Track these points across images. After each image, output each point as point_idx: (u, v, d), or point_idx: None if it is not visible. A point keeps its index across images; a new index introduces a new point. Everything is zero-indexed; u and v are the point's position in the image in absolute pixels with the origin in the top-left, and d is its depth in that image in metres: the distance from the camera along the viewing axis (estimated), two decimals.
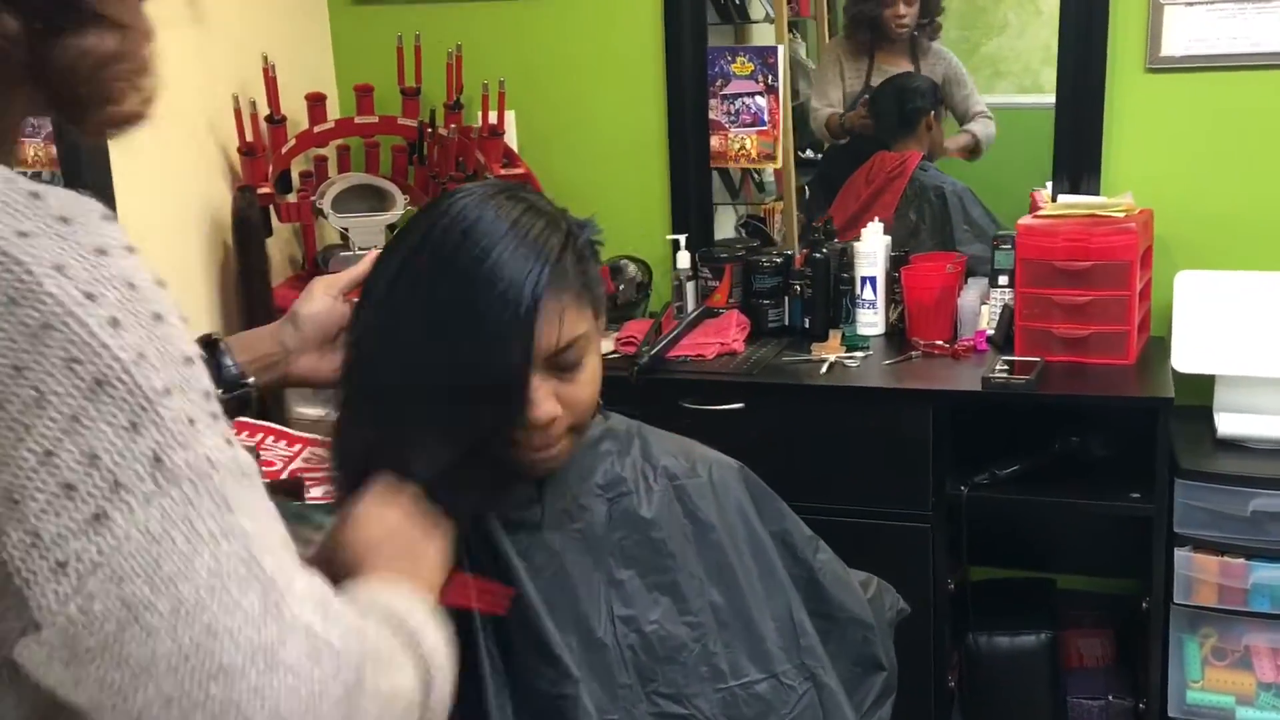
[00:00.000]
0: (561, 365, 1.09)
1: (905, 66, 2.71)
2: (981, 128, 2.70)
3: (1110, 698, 2.28)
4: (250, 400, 1.14)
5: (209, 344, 1.12)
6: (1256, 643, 2.06)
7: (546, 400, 1.08)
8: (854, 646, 1.31)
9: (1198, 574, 2.03)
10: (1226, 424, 2.13)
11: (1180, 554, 2.03)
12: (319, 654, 0.67)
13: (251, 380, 1.14)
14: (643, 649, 1.15)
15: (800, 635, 1.23)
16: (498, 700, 1.08)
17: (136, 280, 0.66)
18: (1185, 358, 2.18)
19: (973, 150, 2.71)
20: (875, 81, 2.72)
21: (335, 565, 0.92)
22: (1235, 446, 2.11)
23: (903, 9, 2.65)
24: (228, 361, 1.13)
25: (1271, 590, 1.99)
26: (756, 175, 2.84)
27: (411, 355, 1.04)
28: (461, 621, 1.11)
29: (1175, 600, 2.05)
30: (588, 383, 1.12)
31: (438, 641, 0.83)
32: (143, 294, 0.66)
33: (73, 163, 2.20)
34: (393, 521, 0.98)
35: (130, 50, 0.71)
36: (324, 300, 1.18)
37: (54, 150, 2.24)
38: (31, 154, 2.27)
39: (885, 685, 1.34)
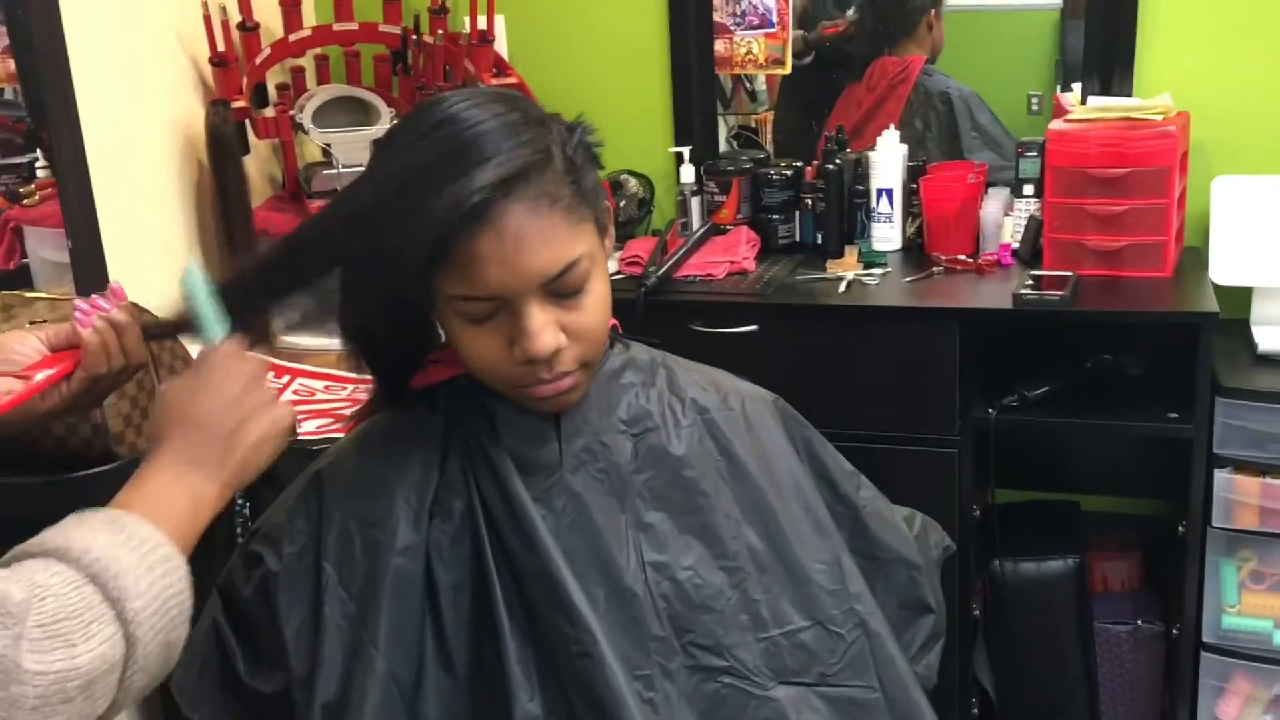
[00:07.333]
0: (561, 291, 0.97)
1: None
2: None
3: (1140, 622, 2.20)
4: None
5: None
6: None
7: (546, 330, 0.96)
8: (901, 588, 1.22)
9: (1238, 496, 1.93)
10: (1266, 338, 2.02)
11: (1220, 475, 1.93)
12: None
13: None
14: (677, 597, 1.05)
15: (848, 579, 1.13)
16: (520, 664, 0.97)
17: None
18: (1223, 269, 2.06)
19: None
20: None
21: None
22: (1276, 362, 2.00)
23: None
24: None
25: None
26: (748, 83, 2.66)
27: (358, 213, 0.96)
28: (479, 573, 1.00)
29: (1213, 523, 1.96)
30: (594, 308, 1.00)
31: (149, 597, 0.80)
32: None
33: (32, 79, 2.04)
34: (209, 407, 0.93)
35: None
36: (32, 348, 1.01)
37: (11, 65, 2.08)
38: None
39: (934, 629, 1.25)
